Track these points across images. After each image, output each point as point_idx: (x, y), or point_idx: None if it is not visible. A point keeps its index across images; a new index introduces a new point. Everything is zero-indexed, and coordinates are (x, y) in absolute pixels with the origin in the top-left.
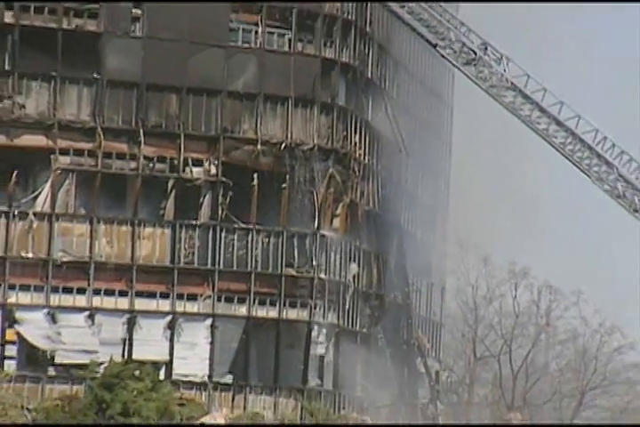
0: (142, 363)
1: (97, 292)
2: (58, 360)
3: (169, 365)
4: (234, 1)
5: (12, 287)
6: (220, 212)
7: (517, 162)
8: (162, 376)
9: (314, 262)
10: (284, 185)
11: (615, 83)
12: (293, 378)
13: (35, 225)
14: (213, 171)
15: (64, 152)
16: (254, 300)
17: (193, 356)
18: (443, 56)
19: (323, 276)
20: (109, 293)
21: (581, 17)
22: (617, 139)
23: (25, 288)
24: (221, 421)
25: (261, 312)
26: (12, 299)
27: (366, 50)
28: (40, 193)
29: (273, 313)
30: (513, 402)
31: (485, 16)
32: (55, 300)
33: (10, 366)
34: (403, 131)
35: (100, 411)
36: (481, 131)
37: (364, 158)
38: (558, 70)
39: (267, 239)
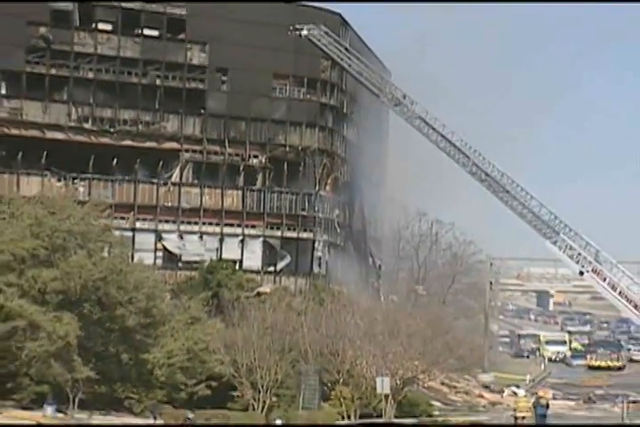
0: (227, 261)
1: (204, 223)
2: (183, 259)
3: (241, 261)
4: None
5: (160, 221)
6: (267, 182)
7: (433, 149)
8: (237, 267)
9: (315, 208)
10: (300, 168)
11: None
12: (306, 267)
13: (171, 189)
14: (264, 161)
15: (186, 151)
16: (285, 228)
17: (253, 257)
18: (382, 102)
19: (320, 215)
20: (210, 224)
21: None
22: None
23: (166, 221)
24: (268, 290)
25: (288, 234)
26: (160, 226)
27: (343, 98)
28: (174, 172)
29: (294, 234)
30: (418, 280)
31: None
32: (182, 227)
33: (158, 262)
34: (362, 139)
35: (205, 285)
36: (406, 139)
37: (342, 155)
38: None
39: (292, 196)
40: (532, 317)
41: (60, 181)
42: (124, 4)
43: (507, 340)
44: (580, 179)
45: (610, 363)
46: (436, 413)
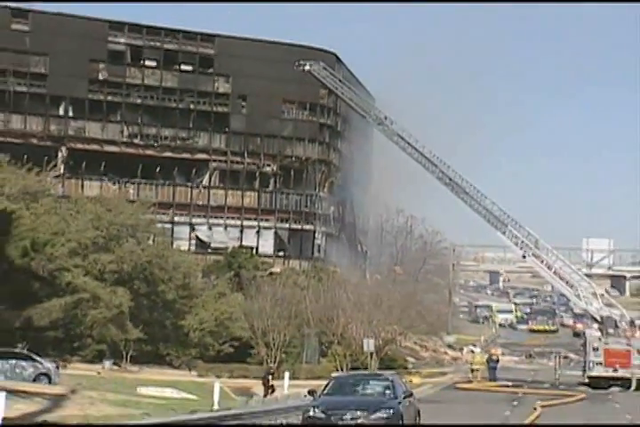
0: (246, 247)
1: (227, 218)
2: (212, 246)
3: (257, 248)
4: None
5: (193, 216)
6: (277, 185)
7: (408, 159)
8: (254, 252)
9: (316, 206)
10: (303, 175)
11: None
12: (308, 252)
13: (201, 191)
14: (275, 169)
15: (214, 161)
16: (292, 221)
17: (266, 244)
18: (368, 122)
19: (319, 211)
20: (232, 218)
21: None
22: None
23: (198, 216)
24: (278, 270)
25: (294, 226)
26: (193, 220)
27: (338, 119)
28: (204, 178)
29: (299, 226)
30: (396, 262)
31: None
32: (210, 221)
33: (192, 248)
34: (352, 151)
35: (229, 266)
36: (387, 152)
37: (337, 164)
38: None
39: (297, 197)
40: (489, 291)
41: (114, 184)
42: (165, 46)
43: (466, 309)
44: (524, 176)
45: (546, 327)
46: (410, 366)
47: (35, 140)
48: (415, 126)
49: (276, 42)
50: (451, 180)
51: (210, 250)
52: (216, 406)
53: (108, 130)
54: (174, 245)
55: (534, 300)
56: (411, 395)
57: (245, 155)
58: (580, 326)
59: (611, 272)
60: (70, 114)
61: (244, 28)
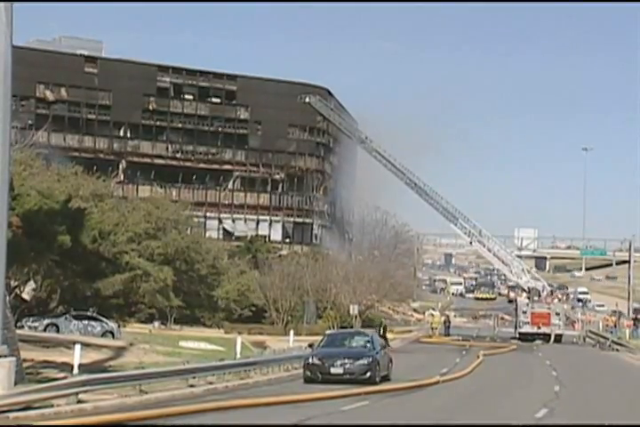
0: (261, 236)
1: (247, 213)
2: (235, 235)
3: (269, 236)
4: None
5: (220, 212)
6: (284, 189)
7: (383, 169)
8: (267, 239)
9: (314, 204)
10: (304, 181)
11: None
12: (308, 239)
13: (227, 193)
14: (283, 176)
15: (236, 170)
16: (296, 216)
17: (276, 233)
18: (353, 141)
19: (316, 209)
20: (250, 213)
21: None
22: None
23: (225, 212)
24: (285, 253)
25: (297, 220)
26: (221, 215)
27: (330, 138)
28: (229, 183)
29: (301, 220)
30: (375, 247)
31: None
32: (234, 216)
33: (220, 237)
34: (341, 163)
35: (248, 250)
36: (367, 163)
37: (329, 172)
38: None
39: (300, 197)
40: (452, 269)
41: (161, 188)
42: (200, 84)
43: (427, 282)
44: (474, 181)
45: (487, 295)
46: None
47: (102, 155)
48: (388, 141)
49: (283, 80)
50: (415, 184)
51: (233, 238)
52: (238, 356)
53: (157, 147)
54: (206, 235)
55: (478, 275)
56: (385, 347)
57: (260, 166)
58: (512, 294)
59: (535, 254)
60: (128, 135)
61: (259, 66)
